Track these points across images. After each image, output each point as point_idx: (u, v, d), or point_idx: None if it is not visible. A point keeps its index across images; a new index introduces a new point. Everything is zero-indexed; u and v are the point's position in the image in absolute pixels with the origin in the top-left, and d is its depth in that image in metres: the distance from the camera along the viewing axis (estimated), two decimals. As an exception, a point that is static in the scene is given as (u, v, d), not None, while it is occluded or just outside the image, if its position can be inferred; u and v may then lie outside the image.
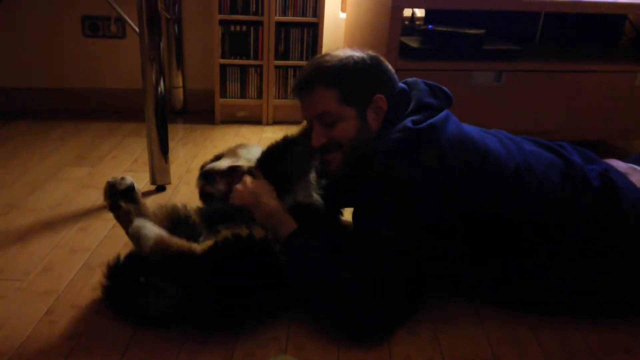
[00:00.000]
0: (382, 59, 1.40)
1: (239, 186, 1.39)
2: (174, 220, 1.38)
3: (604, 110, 2.27)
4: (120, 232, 1.66)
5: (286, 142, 1.47)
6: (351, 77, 1.33)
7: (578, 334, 1.30)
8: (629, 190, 1.30)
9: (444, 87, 1.43)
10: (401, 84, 1.41)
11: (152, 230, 1.25)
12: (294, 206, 1.37)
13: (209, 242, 1.25)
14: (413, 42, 2.22)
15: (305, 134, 1.45)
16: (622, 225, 1.27)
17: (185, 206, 1.43)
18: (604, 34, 2.65)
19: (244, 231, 1.27)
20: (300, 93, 1.39)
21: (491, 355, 1.23)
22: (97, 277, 1.44)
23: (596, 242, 1.27)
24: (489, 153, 1.28)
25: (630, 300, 1.35)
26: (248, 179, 1.40)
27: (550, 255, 1.27)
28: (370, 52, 1.39)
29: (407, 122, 1.25)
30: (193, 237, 1.34)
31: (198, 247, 1.25)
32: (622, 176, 1.35)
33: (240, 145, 1.66)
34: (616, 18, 2.66)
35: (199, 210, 1.43)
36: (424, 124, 1.24)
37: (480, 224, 1.27)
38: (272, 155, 1.47)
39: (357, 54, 1.37)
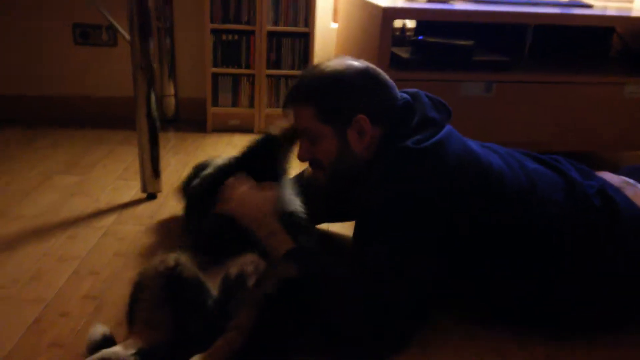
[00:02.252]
0: (378, 72, 1.34)
1: (240, 193, 1.34)
2: (165, 284, 1.18)
3: (593, 121, 2.29)
4: (109, 240, 1.66)
5: (268, 140, 1.47)
6: (329, 95, 1.30)
7: (564, 345, 1.30)
8: (626, 205, 1.31)
9: (443, 101, 1.40)
10: (404, 95, 1.36)
11: None
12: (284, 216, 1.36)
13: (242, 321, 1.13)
14: (403, 53, 2.24)
15: (286, 136, 1.44)
16: (621, 241, 1.27)
17: (173, 260, 1.20)
18: (592, 46, 2.68)
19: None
20: (286, 107, 1.40)
21: (480, 364, 1.23)
22: (86, 286, 1.43)
23: (596, 259, 1.27)
24: (492, 171, 1.27)
25: (624, 315, 1.35)
26: (246, 187, 1.35)
27: (551, 272, 1.27)
28: (367, 66, 1.34)
29: (409, 142, 1.23)
30: (199, 294, 1.19)
31: (235, 335, 1.11)
32: (618, 191, 1.36)
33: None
34: (604, 30, 2.69)
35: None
36: (430, 142, 1.22)
37: (482, 241, 1.26)
38: (256, 153, 1.47)
39: (349, 67, 1.31)
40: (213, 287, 1.21)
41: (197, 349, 1.10)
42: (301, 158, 1.38)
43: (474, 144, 1.34)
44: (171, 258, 1.20)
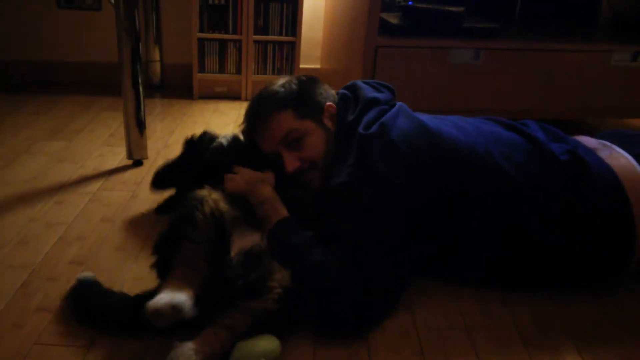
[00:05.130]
0: (315, 76, 1.50)
1: (234, 175, 1.38)
2: (217, 227, 1.19)
3: (580, 89, 2.30)
4: (96, 206, 1.66)
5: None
6: (298, 95, 1.40)
7: (549, 307, 1.33)
8: (597, 165, 1.32)
9: (382, 81, 1.51)
10: (341, 91, 1.49)
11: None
12: (292, 198, 1.34)
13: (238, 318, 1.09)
14: (393, 19, 2.22)
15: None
16: (591, 200, 1.29)
17: (224, 207, 1.22)
18: (581, 14, 2.67)
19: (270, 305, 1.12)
20: (257, 127, 1.42)
21: (464, 327, 1.26)
22: (73, 251, 1.44)
23: (566, 217, 1.29)
24: (444, 140, 1.30)
25: (598, 274, 1.38)
26: (243, 169, 1.39)
27: (519, 232, 1.30)
28: (303, 74, 1.50)
29: (360, 128, 1.30)
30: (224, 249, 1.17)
31: (226, 335, 1.08)
32: (591, 152, 1.37)
33: None
34: (594, -3, 2.69)
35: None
36: (374, 127, 1.28)
37: (448, 209, 1.29)
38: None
39: (293, 77, 1.46)
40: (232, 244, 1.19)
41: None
42: (292, 168, 1.37)
43: (425, 117, 1.39)
44: (221, 200, 1.20)
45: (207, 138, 1.59)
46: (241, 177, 1.36)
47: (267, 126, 1.39)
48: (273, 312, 1.11)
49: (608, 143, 1.42)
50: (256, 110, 1.43)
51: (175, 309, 1.03)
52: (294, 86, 1.42)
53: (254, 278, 1.12)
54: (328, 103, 1.42)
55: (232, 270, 1.13)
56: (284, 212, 1.30)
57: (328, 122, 1.41)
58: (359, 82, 1.50)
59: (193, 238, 1.15)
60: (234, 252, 1.17)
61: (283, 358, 1.12)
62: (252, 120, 1.44)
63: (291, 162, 1.37)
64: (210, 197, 1.21)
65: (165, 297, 1.04)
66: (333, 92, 1.49)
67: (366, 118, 1.33)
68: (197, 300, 1.08)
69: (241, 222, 1.25)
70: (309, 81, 1.46)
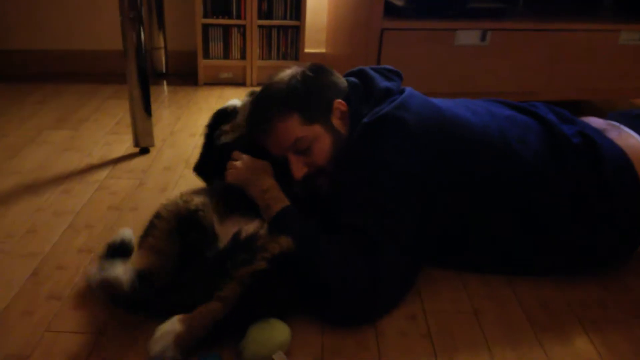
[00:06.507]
0: (323, 66, 1.40)
1: (236, 163, 1.37)
2: (181, 220, 1.22)
3: (587, 69, 2.27)
4: (103, 194, 1.67)
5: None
6: (304, 97, 1.32)
7: (556, 290, 1.33)
8: (607, 146, 1.32)
9: (389, 66, 1.46)
10: (350, 78, 1.41)
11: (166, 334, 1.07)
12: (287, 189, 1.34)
13: (229, 292, 1.11)
14: (398, 0, 2.20)
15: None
16: (602, 181, 1.28)
17: (195, 205, 1.23)
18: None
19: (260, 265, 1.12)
20: (262, 133, 1.36)
21: (471, 310, 1.26)
22: (81, 239, 1.45)
23: (577, 199, 1.28)
24: (458, 123, 1.29)
25: (609, 255, 1.37)
26: (245, 157, 1.37)
27: (530, 216, 1.29)
28: (309, 64, 1.39)
29: (366, 119, 1.26)
30: (206, 242, 1.21)
31: (218, 306, 1.10)
32: (599, 133, 1.37)
33: None
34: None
35: (214, 205, 1.29)
36: (389, 107, 1.25)
37: (458, 191, 1.27)
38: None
39: (298, 70, 1.36)
40: (224, 237, 1.22)
41: (180, 296, 1.15)
42: (299, 174, 1.34)
43: (437, 101, 1.36)
44: (194, 202, 1.23)
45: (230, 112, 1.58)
46: (243, 166, 1.35)
47: (272, 134, 1.33)
48: (262, 273, 1.11)
49: (616, 123, 1.41)
50: (259, 116, 1.36)
51: (106, 282, 1.11)
52: (298, 85, 1.32)
53: (240, 260, 1.14)
54: (337, 100, 1.34)
55: (221, 256, 1.17)
56: (286, 200, 1.28)
57: (337, 122, 1.34)
58: (369, 70, 1.42)
59: (155, 225, 1.22)
60: (225, 239, 1.21)
61: (291, 342, 1.12)
62: (255, 126, 1.38)
63: (299, 169, 1.33)
64: (180, 198, 1.25)
65: (97, 275, 1.13)
66: (343, 80, 1.40)
67: (376, 108, 1.29)
68: (153, 275, 1.16)
69: (233, 212, 1.27)
70: (316, 75, 1.35)
